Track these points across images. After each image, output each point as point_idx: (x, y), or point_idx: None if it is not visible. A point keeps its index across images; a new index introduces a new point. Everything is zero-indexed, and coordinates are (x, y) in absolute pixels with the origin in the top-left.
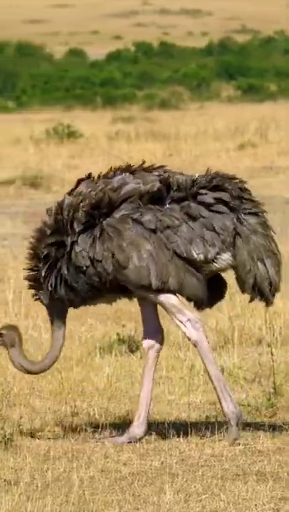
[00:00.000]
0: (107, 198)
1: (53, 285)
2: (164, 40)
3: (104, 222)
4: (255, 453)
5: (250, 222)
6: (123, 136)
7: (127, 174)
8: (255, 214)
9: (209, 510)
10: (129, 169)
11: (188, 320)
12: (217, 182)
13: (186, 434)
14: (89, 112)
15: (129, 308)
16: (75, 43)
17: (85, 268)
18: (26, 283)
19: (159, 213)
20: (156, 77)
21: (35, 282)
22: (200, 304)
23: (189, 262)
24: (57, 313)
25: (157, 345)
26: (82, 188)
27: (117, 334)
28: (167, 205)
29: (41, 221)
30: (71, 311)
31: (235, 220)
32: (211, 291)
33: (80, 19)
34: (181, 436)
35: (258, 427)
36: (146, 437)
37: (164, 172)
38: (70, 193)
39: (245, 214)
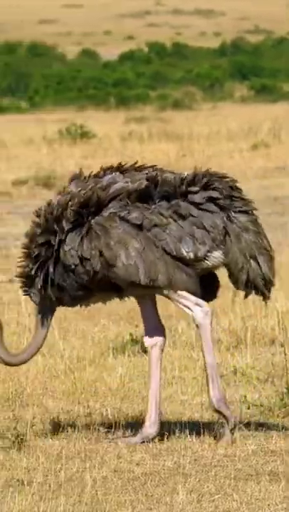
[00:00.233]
0: (95, 196)
1: (43, 284)
2: (176, 41)
3: (92, 220)
4: (268, 453)
5: (241, 220)
6: (136, 137)
7: (117, 173)
8: (246, 212)
9: (222, 510)
10: (120, 168)
11: (197, 304)
12: (207, 180)
13: (199, 434)
14: (102, 112)
15: None
16: (88, 43)
17: (73, 267)
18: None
19: (146, 211)
20: (169, 77)
21: (27, 279)
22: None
23: (179, 259)
24: (45, 312)
25: (160, 343)
26: (71, 187)
27: (130, 334)
28: (156, 203)
29: (31, 221)
30: (84, 312)
31: (225, 218)
32: (204, 288)
33: (93, 19)
34: (194, 436)
35: (270, 427)
36: (159, 437)
37: (154, 171)
38: (60, 193)
39: (235, 212)
